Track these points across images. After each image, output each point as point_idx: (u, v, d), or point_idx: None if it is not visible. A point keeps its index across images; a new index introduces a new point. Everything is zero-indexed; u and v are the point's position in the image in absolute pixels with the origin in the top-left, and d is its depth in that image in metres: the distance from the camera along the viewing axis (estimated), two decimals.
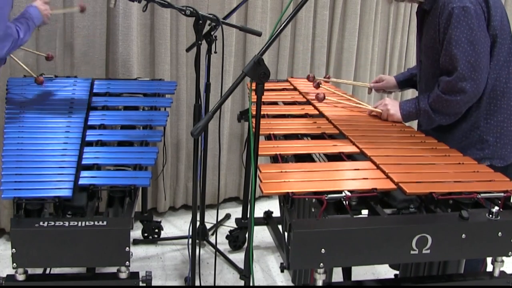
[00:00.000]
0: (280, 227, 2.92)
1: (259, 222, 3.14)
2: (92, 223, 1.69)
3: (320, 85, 2.69)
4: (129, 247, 1.70)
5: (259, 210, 3.43)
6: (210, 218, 3.22)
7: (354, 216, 1.67)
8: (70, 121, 2.31)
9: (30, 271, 1.74)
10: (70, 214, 1.79)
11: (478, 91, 2.07)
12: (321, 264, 1.54)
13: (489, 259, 1.79)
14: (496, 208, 1.65)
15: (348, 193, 1.69)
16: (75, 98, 2.53)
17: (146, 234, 3.15)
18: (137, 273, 1.80)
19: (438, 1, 2.07)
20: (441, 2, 2.06)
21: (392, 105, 2.30)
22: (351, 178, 1.81)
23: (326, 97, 2.47)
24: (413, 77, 2.54)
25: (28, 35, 2.20)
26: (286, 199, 1.68)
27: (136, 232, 3.15)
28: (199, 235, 2.89)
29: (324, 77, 2.94)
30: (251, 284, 1.88)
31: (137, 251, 3.03)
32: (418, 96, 2.26)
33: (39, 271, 2.20)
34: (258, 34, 2.60)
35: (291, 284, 2.78)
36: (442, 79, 2.10)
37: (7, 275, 1.73)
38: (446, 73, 2.10)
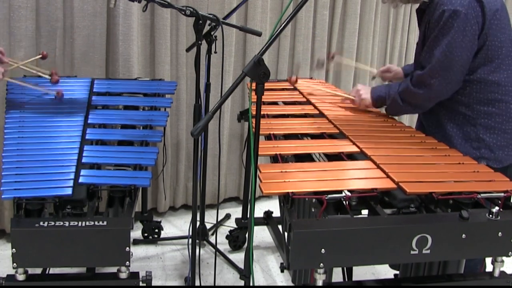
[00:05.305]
0: (280, 227, 2.92)
1: (259, 222, 3.14)
2: (92, 223, 1.68)
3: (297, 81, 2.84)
4: (129, 247, 1.70)
5: (259, 210, 3.43)
6: (210, 218, 3.22)
7: (354, 216, 1.67)
8: (70, 120, 2.31)
9: (30, 271, 1.74)
10: (69, 208, 1.79)
11: (446, 91, 2.14)
12: (321, 264, 1.54)
13: (488, 260, 1.79)
14: (496, 208, 1.64)
15: (348, 193, 1.69)
16: (75, 98, 2.52)
17: (146, 234, 3.16)
18: (137, 273, 1.80)
19: (434, 1, 2.12)
20: (435, 2, 2.10)
21: (364, 90, 2.42)
22: (351, 178, 1.81)
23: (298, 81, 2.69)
24: None
25: None
26: (286, 199, 1.68)
27: (136, 232, 3.15)
28: (199, 235, 2.89)
29: (329, 56, 3.07)
30: (251, 284, 1.88)
31: (137, 251, 3.03)
32: (390, 83, 2.38)
33: (39, 271, 2.20)
34: (258, 34, 2.60)
35: (291, 284, 2.78)
36: (415, 73, 2.19)
37: (7, 275, 1.73)
38: (421, 68, 2.18)
